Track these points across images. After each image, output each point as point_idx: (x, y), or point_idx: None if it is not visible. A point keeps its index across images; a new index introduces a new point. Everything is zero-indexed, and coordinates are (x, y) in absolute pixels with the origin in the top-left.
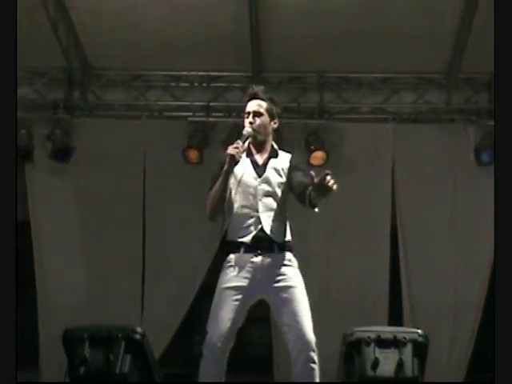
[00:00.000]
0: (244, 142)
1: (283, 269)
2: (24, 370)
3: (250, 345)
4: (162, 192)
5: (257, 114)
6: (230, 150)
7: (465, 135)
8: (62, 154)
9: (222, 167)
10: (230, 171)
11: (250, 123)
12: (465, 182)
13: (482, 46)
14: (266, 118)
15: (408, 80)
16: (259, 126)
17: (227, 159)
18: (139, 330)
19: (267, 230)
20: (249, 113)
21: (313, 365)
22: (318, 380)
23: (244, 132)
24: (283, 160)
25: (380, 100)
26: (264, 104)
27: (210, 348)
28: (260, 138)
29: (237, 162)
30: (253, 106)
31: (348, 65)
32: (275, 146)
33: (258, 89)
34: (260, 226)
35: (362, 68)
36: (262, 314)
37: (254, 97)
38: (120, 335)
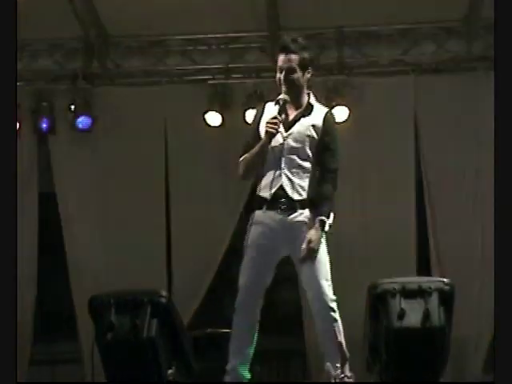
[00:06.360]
0: (280, 112)
1: (304, 227)
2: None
3: (280, 304)
4: (185, 156)
5: (289, 70)
6: (269, 127)
7: (487, 83)
8: (84, 123)
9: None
10: (267, 145)
11: (283, 92)
12: (488, 131)
13: None
14: (298, 73)
15: (427, 30)
16: (291, 85)
17: (265, 135)
18: (165, 293)
19: (286, 188)
20: (281, 69)
21: (334, 323)
22: (341, 337)
23: (280, 97)
24: (316, 116)
25: (399, 52)
26: (295, 57)
27: (239, 303)
28: (293, 96)
29: (275, 135)
30: (284, 61)
31: (365, 18)
32: (312, 101)
33: (288, 40)
34: (280, 184)
35: (380, 21)
36: (291, 273)
37: (285, 50)
38: (146, 300)
